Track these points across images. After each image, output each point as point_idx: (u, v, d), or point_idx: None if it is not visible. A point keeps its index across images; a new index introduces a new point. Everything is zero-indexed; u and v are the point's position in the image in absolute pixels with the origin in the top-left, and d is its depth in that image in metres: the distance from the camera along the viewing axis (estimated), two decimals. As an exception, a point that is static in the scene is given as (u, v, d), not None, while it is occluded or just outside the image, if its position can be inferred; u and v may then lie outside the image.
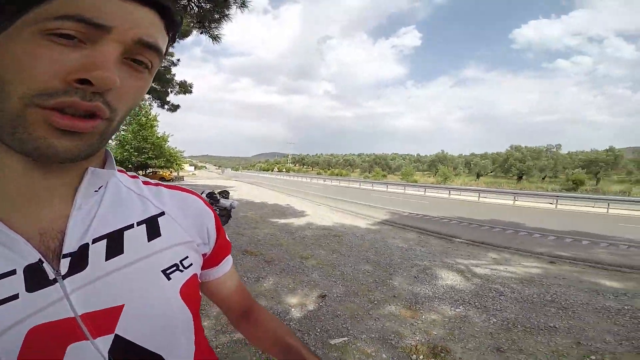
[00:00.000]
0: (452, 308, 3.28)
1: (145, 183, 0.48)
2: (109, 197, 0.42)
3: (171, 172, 34.65)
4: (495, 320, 3.01)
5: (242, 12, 10.45)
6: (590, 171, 34.31)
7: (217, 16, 10.35)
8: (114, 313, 0.36)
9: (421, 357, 2.42)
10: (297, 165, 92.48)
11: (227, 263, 0.56)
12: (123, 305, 0.37)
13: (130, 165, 28.70)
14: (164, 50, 0.37)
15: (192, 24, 11.32)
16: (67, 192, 0.38)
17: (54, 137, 0.30)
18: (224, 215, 5.29)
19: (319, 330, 2.81)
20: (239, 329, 0.60)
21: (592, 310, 3.23)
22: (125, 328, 0.37)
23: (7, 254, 0.33)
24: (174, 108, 12.63)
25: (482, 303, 3.43)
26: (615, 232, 8.23)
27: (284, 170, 76.29)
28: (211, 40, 11.17)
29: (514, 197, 18.54)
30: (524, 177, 38.24)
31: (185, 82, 12.10)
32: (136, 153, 26.69)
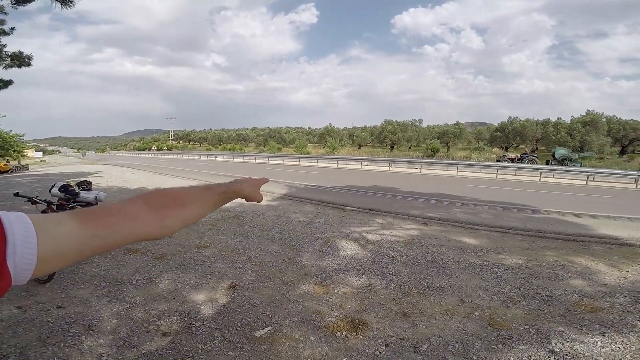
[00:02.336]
0: (357, 278, 3.58)
1: None
2: None
3: (8, 162, 26.67)
4: (394, 285, 3.42)
5: None
6: (443, 141, 42.37)
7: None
8: None
9: (344, 333, 2.56)
10: (181, 142, 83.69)
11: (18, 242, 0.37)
12: None
13: None
14: None
15: None
16: None
17: None
18: None
19: (239, 324, 2.66)
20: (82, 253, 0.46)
21: (462, 267, 3.96)
22: None
23: None
24: (4, 84, 10.00)
25: (380, 269, 3.84)
26: (465, 192, 10.42)
27: (165, 148, 68.03)
28: (60, 4, 8.71)
29: (389, 164, 21.35)
30: (395, 146, 44.21)
31: (21, 53, 9.80)
32: None
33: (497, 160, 24.85)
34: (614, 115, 35.92)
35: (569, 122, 35.13)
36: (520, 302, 3.11)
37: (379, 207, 7.69)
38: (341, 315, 2.81)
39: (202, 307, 2.93)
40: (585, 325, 2.69)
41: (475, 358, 2.28)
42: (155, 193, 0.56)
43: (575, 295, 3.23)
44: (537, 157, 24.83)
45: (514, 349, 2.38)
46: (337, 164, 22.88)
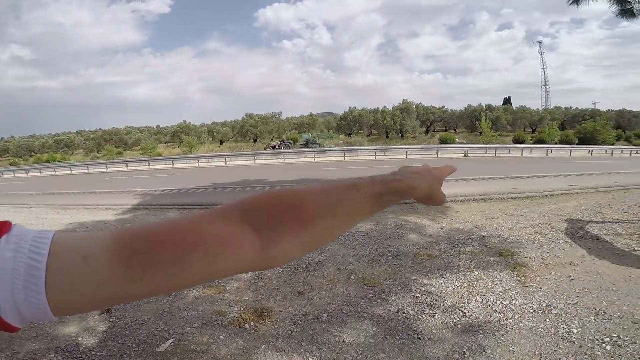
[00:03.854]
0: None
1: None
2: None
3: None
4: (281, 269, 3.59)
5: None
6: (301, 131, 45.66)
7: None
8: None
9: (252, 323, 2.58)
10: (-41, 154, 59.49)
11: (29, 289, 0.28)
12: None
13: None
14: None
15: None
16: None
17: None
18: None
19: (134, 345, 2.31)
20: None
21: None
22: None
23: None
24: None
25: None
26: (324, 175, 11.65)
27: None
28: None
29: (254, 158, 21.54)
30: (258, 139, 44.70)
31: None
32: None
33: (265, 149, 30.96)
34: (420, 103, 47.23)
35: (391, 109, 43.83)
36: (379, 260, 3.81)
37: (251, 201, 7.76)
38: (242, 308, 2.82)
39: (79, 339, 2.38)
40: (428, 271, 3.45)
41: (365, 315, 2.71)
42: (264, 199, 0.37)
43: (414, 247, 4.18)
44: (290, 143, 31.53)
45: (389, 301, 2.91)
46: (198, 163, 21.37)
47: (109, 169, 22.54)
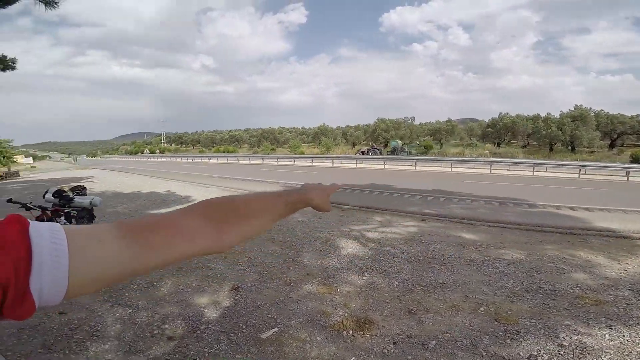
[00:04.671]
0: (360, 277, 3.57)
1: None
2: None
3: (-4, 168, 26.24)
4: (397, 283, 3.41)
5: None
6: (436, 138, 42.67)
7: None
8: None
9: (351, 332, 2.55)
10: (173, 144, 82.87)
11: (46, 262, 0.33)
12: None
13: None
14: None
15: None
16: None
17: None
18: (84, 217, 4.25)
19: (244, 326, 2.63)
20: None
21: (464, 263, 3.96)
22: None
23: None
24: None
25: (382, 267, 3.84)
26: (461, 188, 10.50)
27: (158, 151, 67.27)
28: (44, 6, 8.51)
29: (384, 162, 21.42)
30: (388, 144, 44.47)
31: (4, 56, 9.50)
32: None
33: (355, 154, 29.93)
34: (601, 110, 36.55)
35: (559, 117, 35.58)
36: (524, 296, 3.12)
37: (377, 205, 7.71)
38: (346, 314, 2.80)
39: (205, 310, 2.89)
40: (591, 318, 2.70)
41: (484, 353, 2.28)
42: (215, 203, 0.50)
43: (578, 288, 3.26)
44: (379, 150, 30.59)
45: (523, 344, 2.38)
46: (333, 163, 22.88)
47: (264, 162, 26.80)
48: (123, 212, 7.49)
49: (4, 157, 27.73)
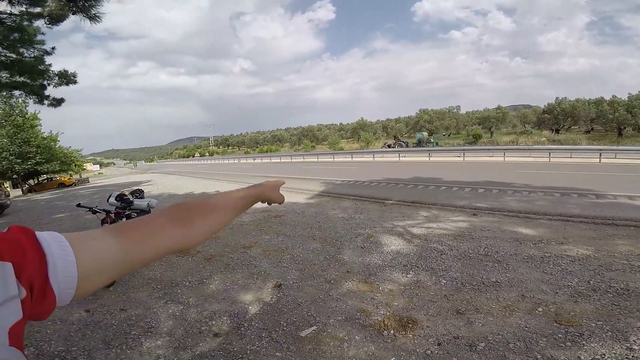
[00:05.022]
0: (404, 274, 3.44)
1: None
2: None
3: (71, 176, 29.86)
4: (445, 281, 3.24)
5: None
6: (485, 126, 39.92)
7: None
8: None
9: (392, 332, 2.47)
10: (220, 147, 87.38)
11: (58, 265, 0.39)
12: None
13: (15, 176, 23.98)
14: None
15: (65, 6, 9.35)
16: None
17: None
18: None
19: (284, 324, 2.67)
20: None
21: (521, 260, 3.63)
22: None
23: None
24: (57, 102, 10.98)
25: (428, 265, 3.66)
26: (515, 179, 9.69)
27: (207, 154, 71.44)
28: (89, 20, 9.43)
29: (429, 154, 20.53)
30: (433, 134, 42.53)
31: (66, 71, 10.57)
32: (19, 160, 22.50)
33: (382, 147, 30.16)
34: (676, 90, 31.45)
35: (627, 99, 31.26)
36: (590, 296, 2.78)
37: (422, 199, 7.40)
38: (388, 313, 2.71)
39: (250, 307, 2.98)
40: None
41: (539, 356, 2.07)
42: (177, 207, 0.57)
43: (658, 288, 2.83)
44: (405, 142, 29.30)
45: (585, 347, 2.12)
46: (374, 157, 22.48)
47: (305, 160, 27.19)
48: (177, 212, 8.05)
49: (75, 166, 31.31)
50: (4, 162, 21.86)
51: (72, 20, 9.28)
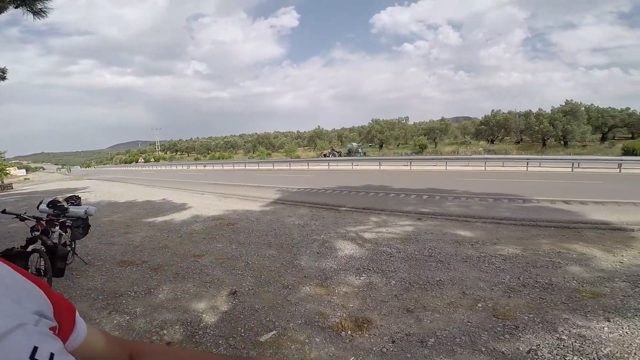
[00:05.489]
0: (357, 277, 3.58)
1: None
2: None
3: (-11, 181, 25.97)
4: (394, 282, 3.42)
5: None
6: (430, 137, 42.87)
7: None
8: None
9: (349, 332, 2.55)
10: (168, 152, 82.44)
11: (81, 324, 0.49)
12: None
13: None
14: None
15: None
16: None
17: None
18: (79, 226, 4.24)
19: (242, 330, 2.62)
20: None
21: (460, 260, 3.98)
22: None
23: None
24: None
25: (379, 267, 3.85)
26: (455, 186, 10.55)
27: (153, 159, 66.89)
28: (32, 15, 8.47)
29: (379, 163, 21.51)
30: (384, 145, 44.56)
31: None
32: None
33: (318, 156, 32.97)
34: (592, 104, 37.01)
35: (550, 112, 35.93)
36: (521, 291, 3.14)
37: (373, 206, 7.73)
38: (344, 315, 2.80)
39: (204, 315, 2.87)
40: (589, 311, 2.71)
41: (483, 349, 2.29)
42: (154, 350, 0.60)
43: (574, 282, 3.28)
44: (339, 152, 33.00)
45: (522, 338, 2.39)
46: (329, 166, 22.93)
47: (260, 167, 26.77)
48: (118, 220, 7.44)
49: None
50: None
51: (9, 13, 8.27)
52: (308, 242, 4.95)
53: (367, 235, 5.24)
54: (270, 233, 5.61)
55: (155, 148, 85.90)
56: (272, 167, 25.75)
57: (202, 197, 11.11)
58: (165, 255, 4.60)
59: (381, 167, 20.40)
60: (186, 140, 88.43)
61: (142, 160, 66.35)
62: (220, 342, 2.47)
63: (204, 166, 34.56)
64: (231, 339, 2.50)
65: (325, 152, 35.27)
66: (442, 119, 46.44)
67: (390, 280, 3.47)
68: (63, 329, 0.44)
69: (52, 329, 0.41)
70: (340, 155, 30.32)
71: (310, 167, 23.27)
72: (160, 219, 7.47)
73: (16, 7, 7.89)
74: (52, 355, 0.36)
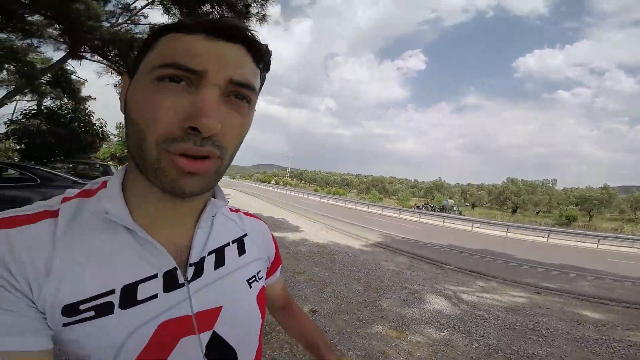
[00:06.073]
0: (437, 331, 3.39)
1: (230, 210, 0.59)
2: (217, 221, 0.51)
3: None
4: (477, 345, 3.12)
5: (261, 25, 11.05)
6: (584, 208, 34.74)
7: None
8: (215, 313, 0.45)
9: None
10: (294, 179, 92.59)
11: (278, 272, 0.69)
12: (222, 307, 0.45)
13: None
14: (258, 83, 0.42)
15: None
16: (192, 216, 0.47)
17: (182, 179, 0.37)
18: None
19: None
20: (276, 318, 0.73)
21: (571, 339, 3.35)
22: (220, 325, 0.45)
23: (152, 260, 0.42)
24: None
25: (467, 328, 3.53)
26: (603, 267, 8.37)
27: (281, 183, 76.28)
28: None
29: (507, 229, 18.69)
30: (518, 210, 38.54)
31: None
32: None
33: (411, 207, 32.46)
34: None
35: None
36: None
37: (485, 271, 6.92)
38: (407, 361, 2.73)
39: None
40: None
41: None
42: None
43: None
44: (434, 207, 32.11)
45: None
46: (443, 221, 21.36)
47: (369, 209, 27.14)
48: (244, 230, 8.94)
49: None
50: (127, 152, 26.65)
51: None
52: (397, 288, 4.90)
53: (465, 296, 4.80)
54: (363, 271, 5.77)
55: (285, 173, 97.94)
56: (381, 212, 25.71)
57: (314, 224, 12.15)
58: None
59: (508, 234, 17.72)
60: (310, 171, 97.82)
61: (274, 182, 76.51)
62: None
63: (320, 198, 37.28)
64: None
65: (418, 204, 36.44)
66: (605, 187, 37.14)
67: (473, 342, 3.16)
68: (272, 268, 0.64)
69: (267, 268, 0.62)
70: (434, 210, 29.60)
71: (422, 220, 22.19)
72: (276, 234, 8.58)
73: None
74: (259, 277, 0.54)
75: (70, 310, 0.37)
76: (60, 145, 11.55)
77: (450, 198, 39.23)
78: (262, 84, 0.45)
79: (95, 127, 13.45)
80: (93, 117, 13.72)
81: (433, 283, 5.49)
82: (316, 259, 6.21)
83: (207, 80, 0.36)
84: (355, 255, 7.06)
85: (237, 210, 0.61)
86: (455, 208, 32.90)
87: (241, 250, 0.53)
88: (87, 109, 13.89)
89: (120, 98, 0.42)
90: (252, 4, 8.95)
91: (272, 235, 0.65)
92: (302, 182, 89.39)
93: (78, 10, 10.33)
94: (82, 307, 0.37)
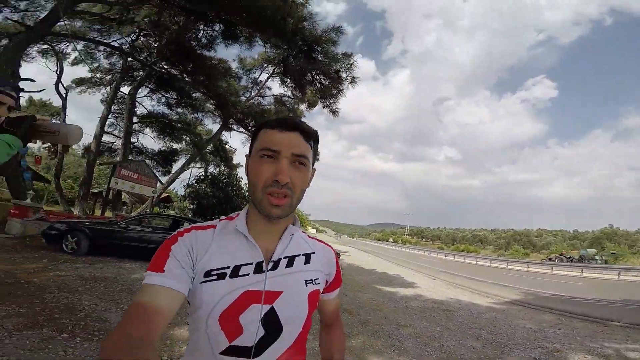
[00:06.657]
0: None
1: (308, 236, 0.83)
2: (294, 239, 0.75)
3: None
4: None
5: (352, 87, 12.46)
6: None
7: (334, 91, 12.62)
8: (277, 294, 0.67)
9: None
10: (414, 237, 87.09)
11: (336, 292, 0.86)
12: (282, 292, 0.67)
13: None
14: (311, 153, 0.70)
15: (317, 97, 14.05)
16: (278, 233, 0.72)
17: (272, 209, 0.64)
18: None
19: None
20: (320, 333, 0.91)
21: None
22: (278, 304, 0.66)
23: (252, 254, 0.68)
24: None
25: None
26: None
27: (400, 241, 72.84)
28: (331, 114, 13.36)
29: (619, 273, 12.52)
30: (599, 252, 26.91)
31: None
32: None
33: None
34: None
35: None
36: None
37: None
38: None
39: None
40: None
41: None
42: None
43: None
44: (571, 258, 29.96)
45: None
46: (619, 275, 16.01)
47: (508, 266, 22.81)
48: (358, 280, 8.94)
49: (302, 226, 40.33)
50: None
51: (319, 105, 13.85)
52: (530, 347, 3.90)
53: (633, 355, 3.43)
54: (486, 328, 4.85)
55: (404, 232, 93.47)
56: (525, 268, 21.16)
57: (433, 281, 11.06)
58: (377, 316, 5.08)
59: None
60: (433, 229, 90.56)
61: (391, 240, 73.83)
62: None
63: (445, 255, 33.60)
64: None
65: (551, 256, 34.28)
66: None
67: None
68: (330, 286, 0.81)
69: (326, 282, 0.78)
70: (572, 261, 27.58)
71: (584, 274, 17.12)
72: (388, 289, 8.24)
73: (324, 107, 12.89)
74: (316, 282, 0.73)
75: (207, 274, 0.64)
76: (219, 206, 14.51)
77: (591, 248, 35.65)
78: (315, 151, 0.72)
79: (243, 190, 16.33)
80: (241, 181, 16.93)
81: (585, 341, 4.22)
82: (428, 314, 5.59)
83: (281, 155, 0.64)
84: (479, 313, 6.04)
85: (314, 238, 0.84)
86: (597, 257, 29.36)
87: (307, 261, 0.75)
88: (237, 174, 17.36)
89: (245, 167, 0.72)
90: (341, 69, 10.20)
91: (336, 260, 0.84)
92: (424, 240, 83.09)
93: (222, 87, 13.88)
94: (213, 272, 0.64)
